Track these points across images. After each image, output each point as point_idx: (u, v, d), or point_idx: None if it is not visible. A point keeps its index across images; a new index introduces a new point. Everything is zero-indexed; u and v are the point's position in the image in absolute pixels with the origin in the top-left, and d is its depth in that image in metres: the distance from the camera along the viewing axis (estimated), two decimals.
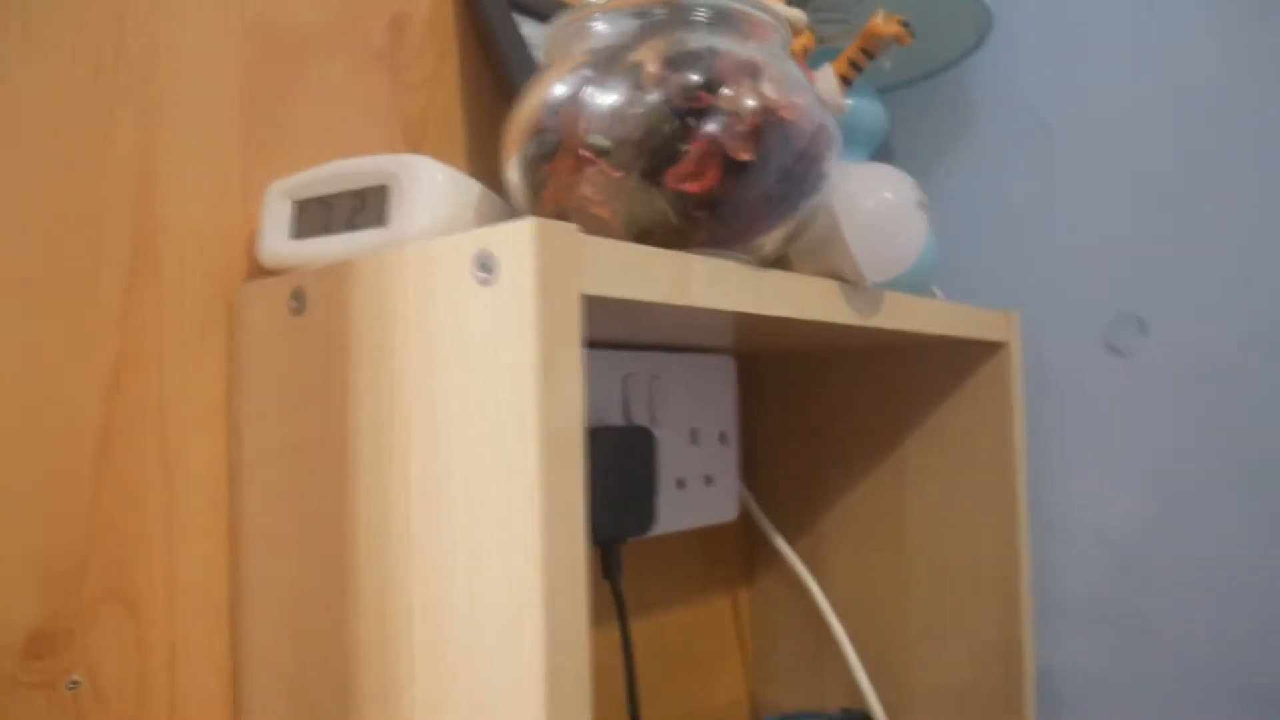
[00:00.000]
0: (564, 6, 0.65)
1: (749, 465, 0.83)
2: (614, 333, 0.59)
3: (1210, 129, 0.74)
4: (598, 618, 0.69)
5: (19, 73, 0.45)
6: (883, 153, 0.86)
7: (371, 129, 0.59)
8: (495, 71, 0.65)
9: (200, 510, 0.51)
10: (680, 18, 0.45)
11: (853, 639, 0.76)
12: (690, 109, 0.42)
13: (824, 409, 0.80)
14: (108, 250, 0.48)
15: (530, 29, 0.62)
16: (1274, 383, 0.71)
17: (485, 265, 0.37)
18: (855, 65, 0.58)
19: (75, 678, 0.46)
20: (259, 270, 0.52)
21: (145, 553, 0.49)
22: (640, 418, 0.66)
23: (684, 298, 0.42)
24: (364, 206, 0.48)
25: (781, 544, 0.78)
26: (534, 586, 0.35)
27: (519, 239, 0.36)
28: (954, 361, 0.73)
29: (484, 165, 0.65)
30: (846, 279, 0.53)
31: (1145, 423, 0.76)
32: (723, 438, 0.73)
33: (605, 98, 0.43)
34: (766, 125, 0.43)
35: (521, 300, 0.36)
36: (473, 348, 0.38)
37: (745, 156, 0.42)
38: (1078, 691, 0.79)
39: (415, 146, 0.61)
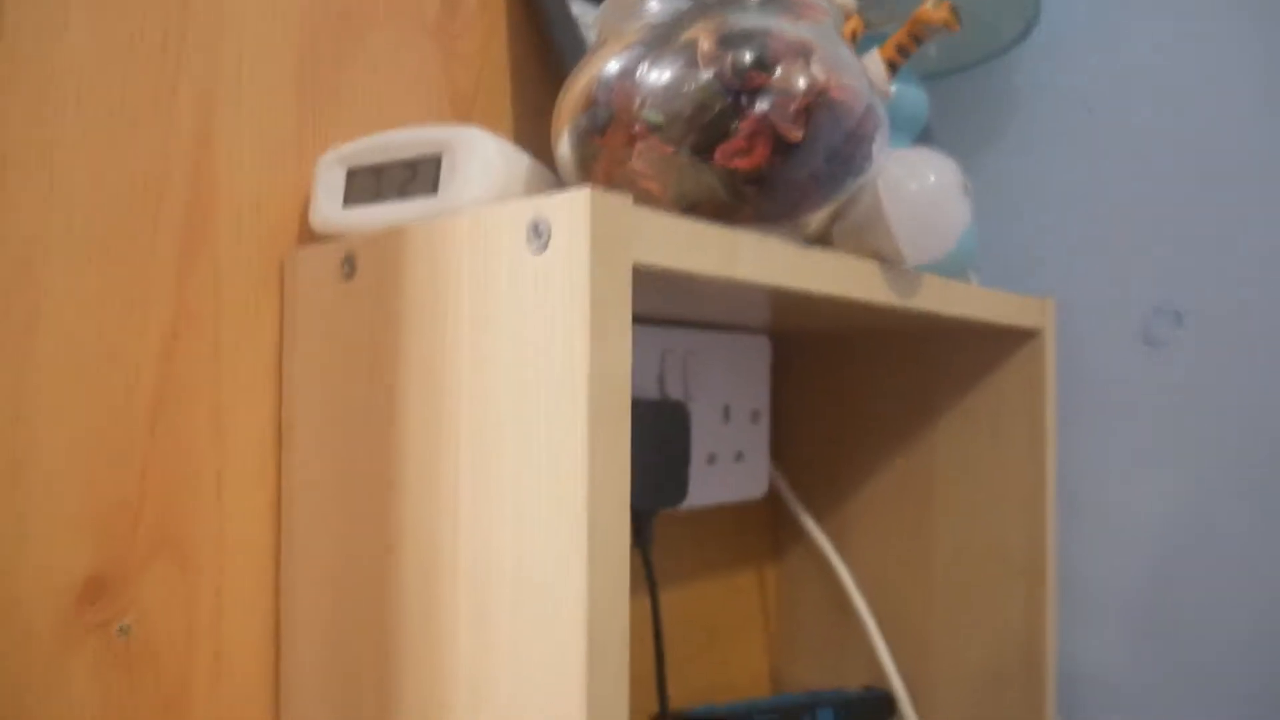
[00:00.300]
0: None
1: (779, 444, 0.83)
2: (653, 308, 0.60)
3: (1254, 118, 0.74)
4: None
5: (90, 37, 0.46)
6: (924, 139, 0.86)
7: (422, 100, 0.60)
8: (543, 48, 0.66)
9: (250, 468, 0.52)
10: None
11: (876, 619, 0.77)
12: (742, 87, 0.43)
13: (855, 391, 0.80)
14: (166, 210, 0.49)
15: (579, 8, 0.62)
16: None
17: (539, 232, 0.38)
18: (903, 51, 0.58)
19: (126, 623, 0.48)
20: (311, 236, 0.54)
21: (196, 507, 0.50)
22: (675, 393, 0.67)
23: (730, 271, 0.42)
24: (415, 176, 0.49)
25: (809, 522, 0.79)
26: (578, 552, 0.36)
27: (573, 207, 0.37)
28: (987, 348, 0.73)
29: (530, 140, 0.66)
30: (887, 260, 0.53)
31: (1179, 415, 0.76)
32: (755, 416, 0.74)
33: (659, 74, 0.43)
34: (817, 105, 0.43)
35: (574, 268, 0.37)
36: (524, 314, 0.39)
37: (795, 136, 0.43)
38: (1101, 682, 0.80)
39: (463, 118, 0.62)
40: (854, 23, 0.58)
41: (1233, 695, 0.75)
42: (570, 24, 0.61)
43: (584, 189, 0.36)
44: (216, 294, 0.51)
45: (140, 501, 0.48)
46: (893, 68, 0.58)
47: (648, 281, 0.42)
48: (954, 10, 0.56)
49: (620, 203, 0.37)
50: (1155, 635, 0.77)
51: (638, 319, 0.64)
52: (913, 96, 0.71)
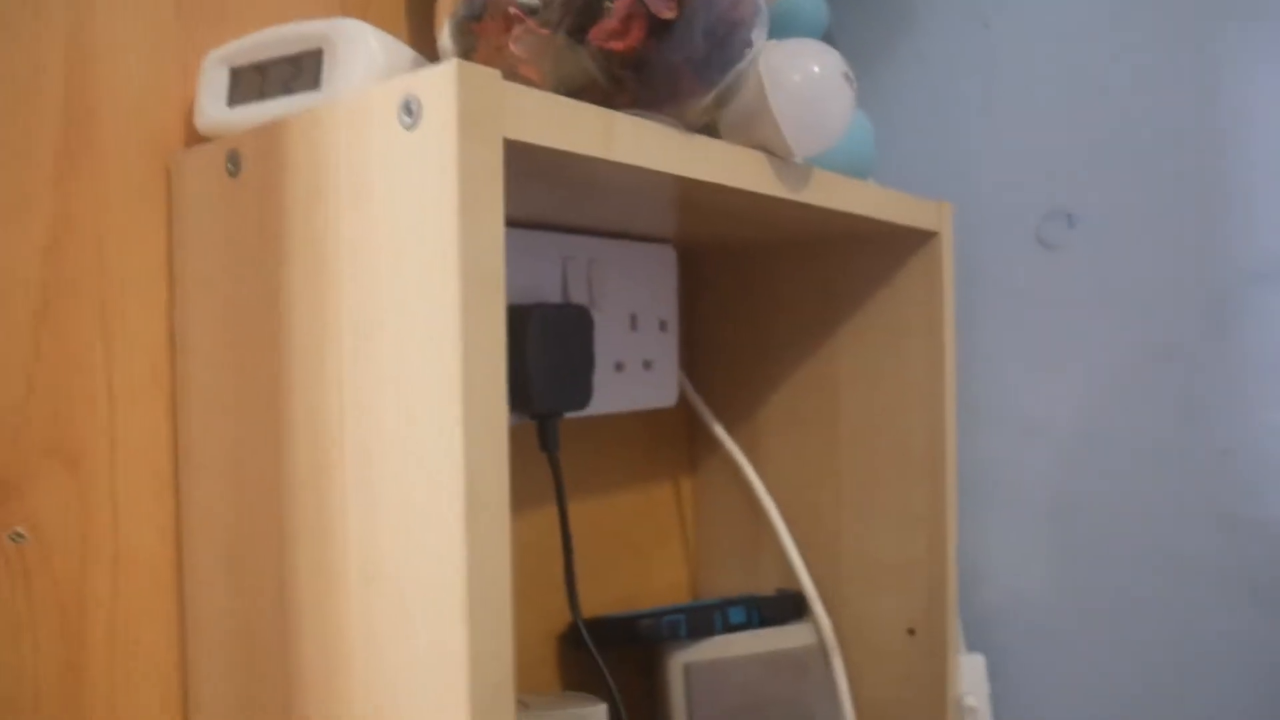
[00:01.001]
0: None
1: (692, 357, 0.85)
2: (548, 212, 0.61)
3: (1145, 28, 0.76)
4: (536, 496, 0.71)
5: None
6: None
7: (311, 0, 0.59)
8: None
9: (142, 372, 0.52)
10: None
11: (788, 523, 0.79)
12: None
13: (762, 301, 0.82)
14: (41, 113, 0.48)
15: None
16: (1186, 274, 0.74)
17: (410, 110, 0.38)
18: None
19: (19, 530, 0.48)
20: (197, 138, 0.53)
21: (86, 412, 0.50)
22: (579, 300, 0.67)
23: (607, 152, 0.43)
24: (299, 72, 0.49)
25: (720, 431, 0.80)
26: (455, 415, 0.37)
27: (442, 82, 0.37)
28: (886, 253, 0.75)
29: (423, 40, 0.65)
30: (775, 153, 0.54)
31: (1074, 316, 0.79)
32: (663, 325, 0.75)
33: None
34: None
35: (444, 142, 0.37)
36: (398, 192, 0.39)
37: (668, 14, 0.43)
38: (1003, 573, 0.83)
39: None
40: None
41: (1129, 589, 0.78)
42: None
43: (451, 62, 0.37)
44: (99, 198, 0.50)
45: (26, 405, 0.48)
46: None
47: (524, 162, 0.42)
48: None
49: (489, 76, 0.38)
50: (1054, 529, 0.81)
51: (537, 225, 0.65)
52: (811, 4, 0.72)
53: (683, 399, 0.81)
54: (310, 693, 0.44)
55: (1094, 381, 0.78)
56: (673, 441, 0.86)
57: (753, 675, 0.72)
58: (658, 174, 0.47)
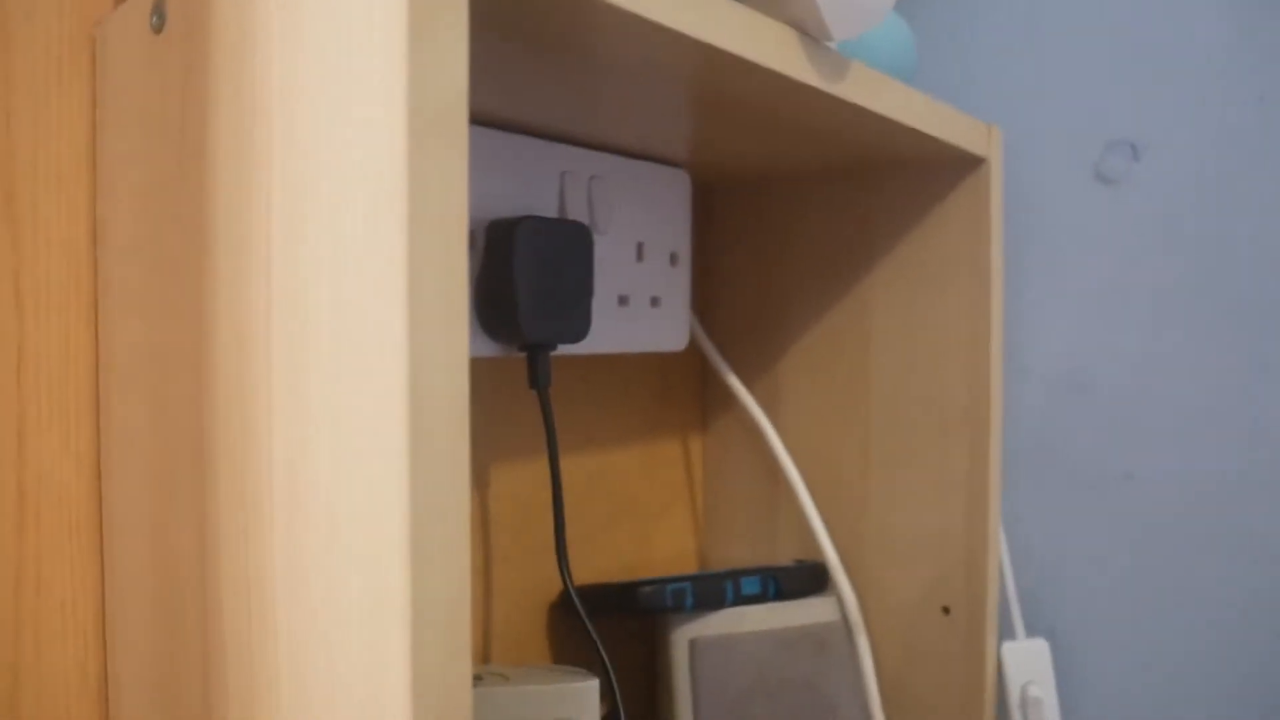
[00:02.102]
0: None
1: (703, 296, 0.77)
2: (544, 112, 0.53)
3: None
4: (525, 447, 0.63)
5: None
6: None
7: None
8: None
9: (58, 274, 0.44)
10: None
11: (809, 487, 0.71)
12: None
13: (784, 239, 0.73)
14: None
15: None
16: (1268, 219, 0.66)
17: None
18: None
19: None
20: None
21: None
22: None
23: None
24: None
25: (734, 381, 0.72)
26: (399, 293, 0.29)
27: None
28: (926, 182, 0.67)
29: None
30: (808, 30, 0.46)
31: (1133, 259, 0.70)
32: (673, 258, 0.67)
33: None
34: None
35: None
36: (339, 25, 0.31)
37: None
38: (1046, 541, 0.75)
39: None
40: None
41: (1191, 568, 0.70)
42: None
43: None
44: (5, 70, 0.42)
45: None
46: None
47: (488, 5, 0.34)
48: None
49: None
50: (1106, 494, 0.72)
51: (532, 131, 0.57)
52: None
53: (693, 344, 0.72)
54: (229, 637, 0.36)
55: (1155, 336, 0.70)
56: (681, 392, 0.78)
57: (766, 653, 0.64)
58: (666, 31, 0.38)
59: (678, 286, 0.67)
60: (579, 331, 0.55)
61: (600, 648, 0.53)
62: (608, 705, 0.54)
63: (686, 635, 0.63)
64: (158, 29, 0.40)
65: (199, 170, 0.37)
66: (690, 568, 0.79)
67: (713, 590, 0.64)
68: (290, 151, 0.33)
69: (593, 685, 0.52)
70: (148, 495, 0.42)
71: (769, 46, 0.44)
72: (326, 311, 0.32)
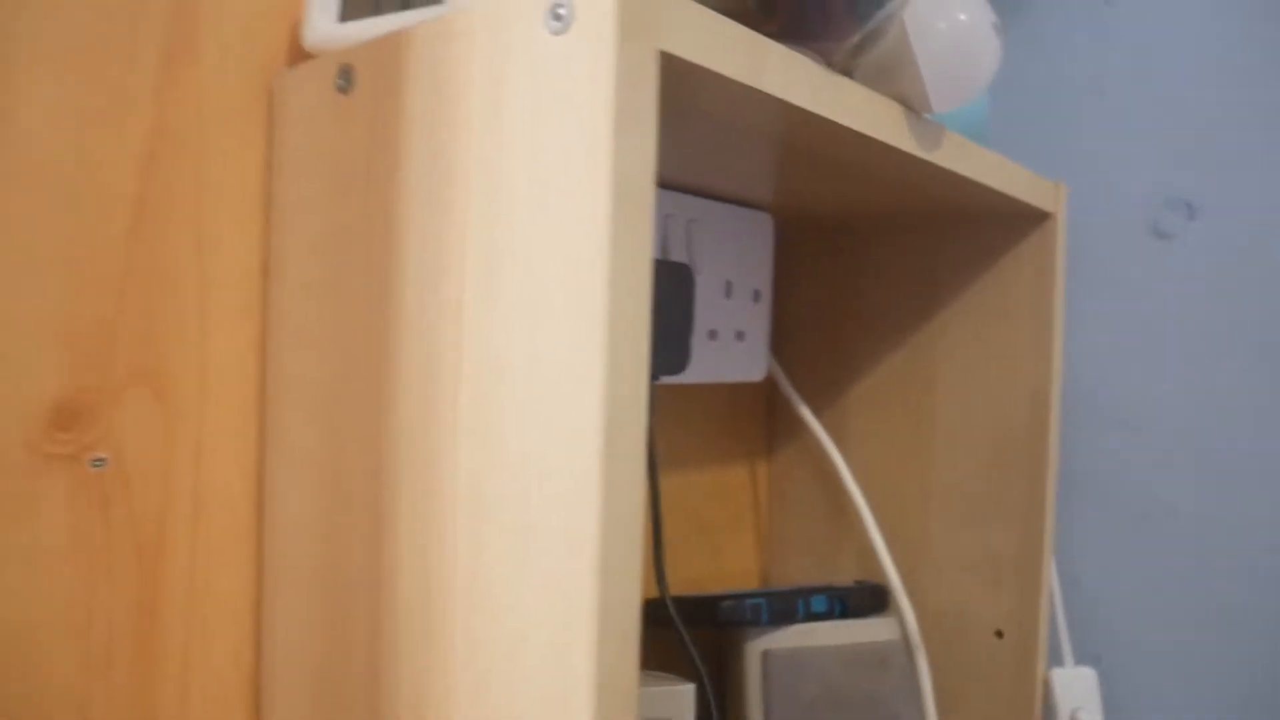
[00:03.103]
0: None
1: (777, 331, 0.81)
2: (661, 167, 0.58)
3: (1274, 5, 0.71)
4: None
5: None
6: None
7: None
8: None
9: (234, 300, 0.49)
10: None
11: (872, 511, 0.75)
12: None
13: (857, 278, 0.78)
14: (146, 19, 0.46)
15: None
16: None
17: (559, 15, 0.35)
18: None
19: (100, 455, 0.45)
20: (302, 57, 0.50)
21: (176, 335, 0.47)
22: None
23: (757, 80, 0.40)
24: None
25: (805, 411, 0.77)
26: (598, 349, 0.34)
27: None
28: (995, 233, 0.71)
29: None
30: (911, 104, 0.51)
31: (1185, 307, 0.74)
32: (756, 295, 0.72)
33: None
34: None
35: (600, 47, 0.34)
36: (541, 104, 0.36)
37: None
38: (1095, 572, 0.79)
39: None
40: None
41: (1234, 601, 0.74)
42: None
43: None
44: (199, 112, 0.48)
45: (116, 324, 0.45)
46: None
47: (670, 82, 0.39)
48: None
49: None
50: (1154, 528, 0.76)
51: None
52: None
53: (766, 375, 0.77)
54: (404, 641, 0.41)
55: (1203, 382, 0.74)
56: (748, 419, 0.82)
57: (832, 666, 0.69)
58: (800, 111, 0.43)
59: (759, 321, 0.72)
60: (680, 364, 0.60)
61: (695, 655, 0.57)
62: (699, 709, 0.59)
63: (760, 647, 0.68)
64: (344, 90, 0.45)
65: (386, 222, 0.42)
66: (752, 584, 0.84)
67: (785, 606, 0.68)
68: (487, 211, 0.38)
69: (689, 689, 0.57)
70: (315, 508, 0.47)
71: (879, 120, 0.48)
72: (520, 354, 0.36)
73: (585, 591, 0.34)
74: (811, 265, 0.81)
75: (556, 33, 0.35)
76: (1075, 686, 0.73)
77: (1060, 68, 0.80)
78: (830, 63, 0.46)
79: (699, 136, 0.50)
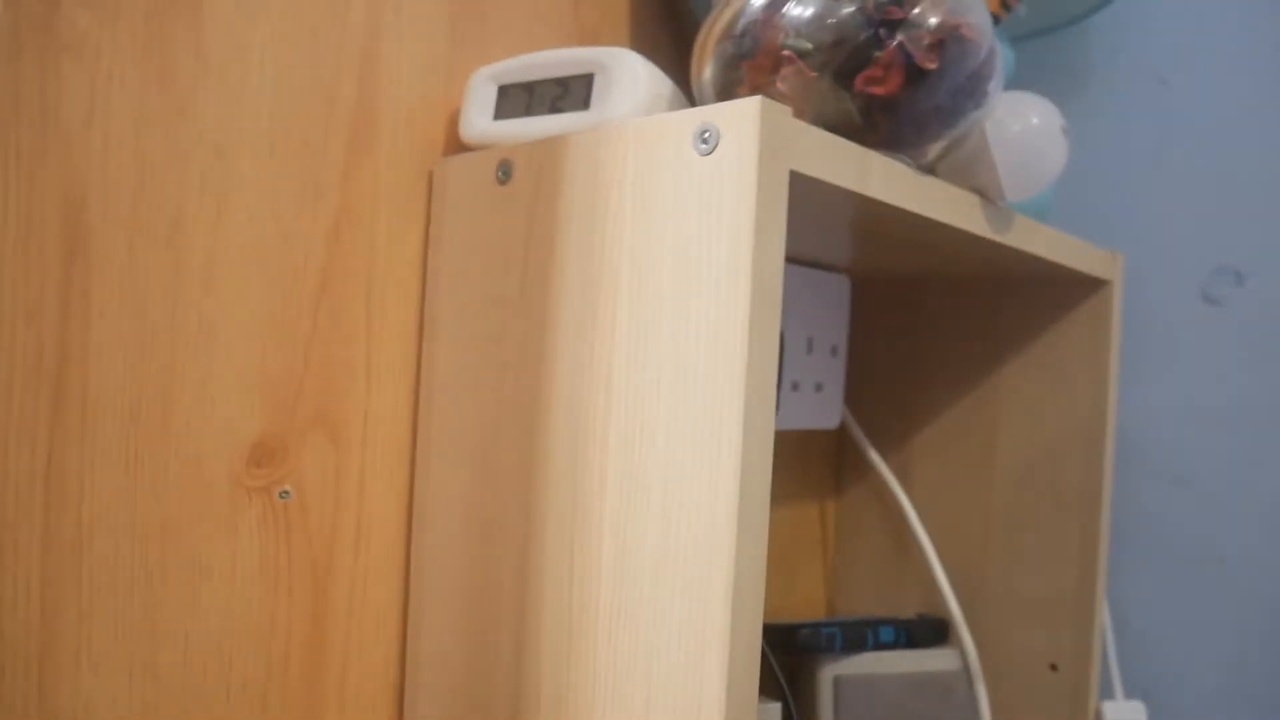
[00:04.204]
0: None
1: (849, 381, 0.88)
2: None
3: None
4: None
5: None
6: None
7: (554, 32, 0.64)
8: None
9: (394, 355, 0.57)
10: None
11: (934, 549, 0.82)
12: (883, 20, 0.47)
13: (926, 334, 0.85)
14: (336, 113, 0.54)
15: None
16: None
17: (706, 138, 0.43)
18: (1006, 5, 0.63)
19: (286, 488, 0.53)
20: (457, 146, 0.58)
21: (349, 386, 0.55)
22: None
23: (863, 187, 0.47)
24: (567, 92, 0.53)
25: (874, 456, 0.84)
26: (736, 417, 0.41)
27: (744, 115, 0.41)
28: (1056, 296, 0.78)
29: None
30: (987, 195, 0.58)
31: (1233, 369, 0.80)
32: (834, 350, 0.79)
33: (807, 6, 0.48)
34: (948, 40, 0.48)
35: (743, 169, 0.41)
36: (687, 212, 0.43)
37: (929, 66, 0.47)
38: (1145, 613, 0.85)
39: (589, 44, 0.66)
40: None
41: (1273, 631, 0.79)
42: None
43: (754, 99, 0.41)
44: (375, 193, 0.56)
45: (303, 376, 0.53)
46: (995, 21, 0.63)
47: (795, 190, 0.46)
48: None
49: (783, 113, 0.42)
50: (1201, 575, 0.82)
51: None
52: (1003, 54, 0.75)
53: (840, 422, 0.84)
54: (547, 659, 0.48)
55: (1249, 440, 0.80)
56: (822, 463, 0.89)
57: (898, 693, 0.75)
58: (895, 209, 0.50)
59: (836, 374, 0.79)
60: None
61: (781, 678, 0.64)
62: None
63: (832, 672, 0.74)
64: (502, 181, 0.53)
65: (543, 298, 0.50)
66: (820, 614, 0.90)
67: (857, 636, 0.75)
68: (636, 295, 0.45)
69: (776, 708, 0.63)
70: (464, 537, 0.54)
71: (959, 210, 0.55)
72: (664, 413, 0.44)
73: (718, 618, 0.41)
74: (883, 322, 0.88)
75: (704, 153, 0.43)
76: (1125, 719, 0.79)
77: (1119, 143, 0.86)
78: (921, 165, 0.53)
79: (804, 222, 0.58)
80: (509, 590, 0.51)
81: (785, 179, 0.42)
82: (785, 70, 0.48)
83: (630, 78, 0.51)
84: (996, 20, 0.62)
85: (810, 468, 0.88)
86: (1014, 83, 0.87)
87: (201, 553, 0.50)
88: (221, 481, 0.51)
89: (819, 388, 0.77)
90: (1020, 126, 0.56)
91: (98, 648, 0.47)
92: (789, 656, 0.81)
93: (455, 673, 0.54)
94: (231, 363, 0.50)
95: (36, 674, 0.45)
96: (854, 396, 0.88)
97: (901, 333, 0.86)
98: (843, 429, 0.86)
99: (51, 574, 0.45)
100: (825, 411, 0.78)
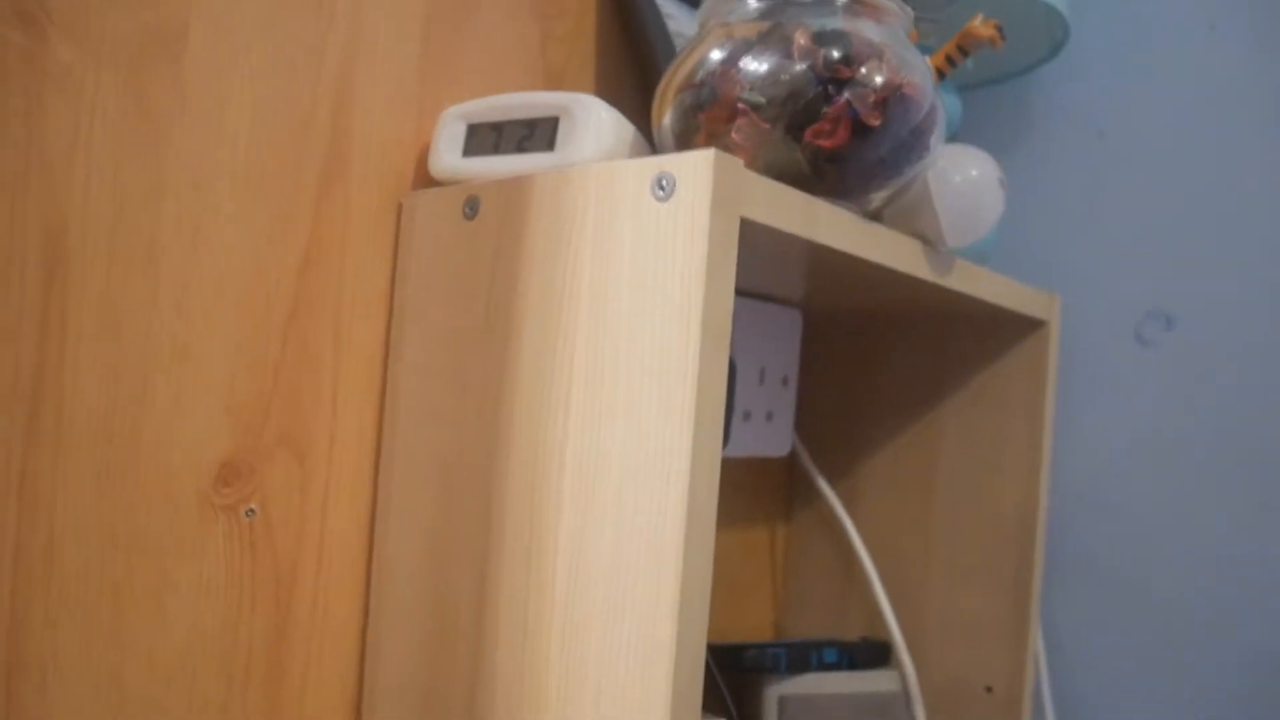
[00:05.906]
0: None
1: (800, 411, 0.91)
2: None
3: (1251, 148, 0.82)
4: None
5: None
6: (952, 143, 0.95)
7: (521, 72, 0.67)
8: (624, 34, 0.73)
9: (359, 381, 0.59)
10: (823, 1, 0.53)
11: (878, 575, 0.85)
12: (831, 78, 0.50)
13: (872, 368, 0.88)
14: (310, 147, 0.56)
15: (665, 2, 0.70)
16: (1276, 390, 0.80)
17: (663, 185, 0.45)
18: (951, 61, 0.66)
19: (252, 507, 0.55)
20: (426, 181, 0.61)
21: (315, 409, 0.57)
22: None
23: (811, 233, 0.50)
24: (533, 134, 0.56)
25: (822, 484, 0.87)
26: (685, 443, 0.44)
27: (699, 165, 0.44)
28: (995, 335, 0.82)
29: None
30: (929, 241, 0.61)
31: (1164, 413, 0.85)
32: (785, 381, 0.82)
33: (759, 63, 0.51)
34: (892, 98, 0.51)
35: (696, 215, 0.44)
36: (644, 253, 0.46)
37: (874, 122, 0.50)
38: (1075, 636, 0.88)
39: (553, 89, 0.69)
40: (911, 34, 0.66)
41: (1203, 660, 0.83)
42: (656, 14, 0.69)
43: (709, 150, 0.44)
44: (345, 225, 0.58)
45: (271, 398, 0.55)
46: (940, 75, 0.66)
47: (744, 235, 0.49)
48: (999, 29, 0.64)
49: (734, 164, 0.45)
50: (1128, 606, 0.86)
51: None
52: (950, 104, 0.79)
53: (790, 451, 0.87)
54: (503, 669, 0.51)
55: (1175, 476, 0.84)
56: (773, 489, 0.92)
57: (841, 713, 0.78)
58: (841, 254, 0.54)
59: (786, 404, 0.82)
60: (722, 443, 0.70)
61: (728, 698, 0.67)
62: None
63: (778, 692, 0.77)
64: (469, 217, 0.55)
65: (505, 328, 0.52)
66: (768, 636, 0.93)
67: (801, 657, 0.77)
68: (594, 329, 0.48)
69: None
70: (423, 553, 0.56)
71: (902, 255, 0.59)
72: (619, 442, 0.46)
73: (664, 636, 0.44)
74: (833, 355, 0.91)
75: (660, 199, 0.45)
76: None
77: (1058, 190, 0.91)
78: (866, 211, 0.56)
79: (757, 262, 0.61)
80: (467, 606, 0.53)
81: (736, 225, 0.45)
82: (740, 121, 0.51)
83: (594, 122, 0.54)
84: (941, 75, 0.66)
85: (761, 494, 0.91)
86: (961, 129, 0.91)
87: (169, 568, 0.52)
88: (189, 499, 0.52)
89: (770, 417, 0.80)
90: (960, 178, 0.60)
91: (65, 659, 0.48)
92: (736, 676, 0.83)
93: (413, 687, 0.56)
94: (202, 385, 0.52)
95: (4, 684, 0.46)
96: (804, 426, 0.91)
97: (850, 366, 0.90)
98: (793, 457, 0.89)
99: (21, 585, 0.47)
100: (776, 440, 0.81)
